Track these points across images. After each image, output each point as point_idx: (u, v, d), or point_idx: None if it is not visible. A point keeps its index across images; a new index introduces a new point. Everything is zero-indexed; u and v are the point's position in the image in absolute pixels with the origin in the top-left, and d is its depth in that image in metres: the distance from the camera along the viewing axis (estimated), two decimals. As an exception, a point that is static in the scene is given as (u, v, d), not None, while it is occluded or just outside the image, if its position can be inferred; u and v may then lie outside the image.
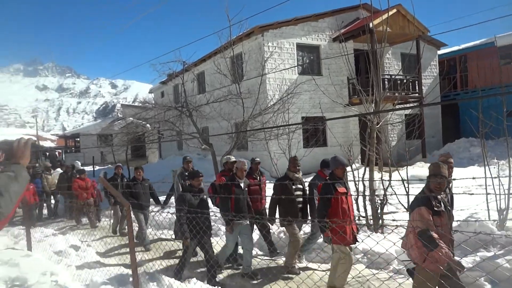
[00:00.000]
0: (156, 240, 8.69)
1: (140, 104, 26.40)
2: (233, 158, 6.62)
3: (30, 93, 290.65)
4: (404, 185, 7.10)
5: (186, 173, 7.97)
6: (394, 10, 15.79)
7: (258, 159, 8.04)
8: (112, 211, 10.02)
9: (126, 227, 8.85)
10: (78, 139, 39.05)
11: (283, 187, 6.03)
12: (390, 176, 7.43)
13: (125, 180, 9.73)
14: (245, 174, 6.96)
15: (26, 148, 1.69)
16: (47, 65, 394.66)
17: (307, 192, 6.39)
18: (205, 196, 6.01)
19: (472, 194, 4.33)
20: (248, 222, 6.06)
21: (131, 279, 4.76)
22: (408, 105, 17.53)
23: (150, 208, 9.08)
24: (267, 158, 12.81)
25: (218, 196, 6.56)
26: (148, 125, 19.01)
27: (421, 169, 12.86)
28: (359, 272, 4.97)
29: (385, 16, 12.76)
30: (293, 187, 6.12)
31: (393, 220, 4.75)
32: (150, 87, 30.47)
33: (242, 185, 6.08)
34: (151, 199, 8.89)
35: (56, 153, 34.03)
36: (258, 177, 7.29)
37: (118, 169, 9.97)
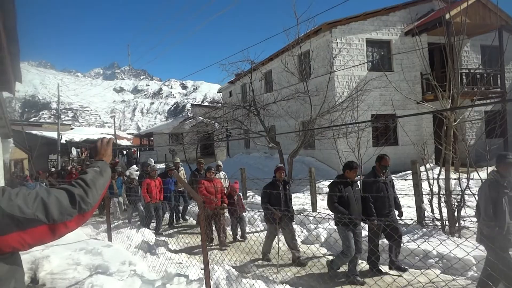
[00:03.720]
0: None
1: (209, 104, 27.15)
2: None
3: (109, 95, 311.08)
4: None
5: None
6: (473, -1, 14.77)
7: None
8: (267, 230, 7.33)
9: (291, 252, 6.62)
10: (152, 137, 41.00)
11: None
12: (468, 177, 6.98)
13: (288, 187, 7.07)
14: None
15: (109, 147, 1.88)
16: (124, 68, 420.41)
17: None
18: None
19: None
20: None
21: (201, 274, 4.91)
22: (488, 101, 16.35)
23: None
24: (335, 157, 12.60)
25: None
26: (216, 124, 19.51)
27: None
28: (437, 276, 4.72)
29: (464, 5, 12.00)
30: None
31: (471, 222, 4.40)
32: (219, 87, 31.20)
33: None
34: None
35: (132, 151, 35.94)
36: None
37: (280, 172, 7.08)
